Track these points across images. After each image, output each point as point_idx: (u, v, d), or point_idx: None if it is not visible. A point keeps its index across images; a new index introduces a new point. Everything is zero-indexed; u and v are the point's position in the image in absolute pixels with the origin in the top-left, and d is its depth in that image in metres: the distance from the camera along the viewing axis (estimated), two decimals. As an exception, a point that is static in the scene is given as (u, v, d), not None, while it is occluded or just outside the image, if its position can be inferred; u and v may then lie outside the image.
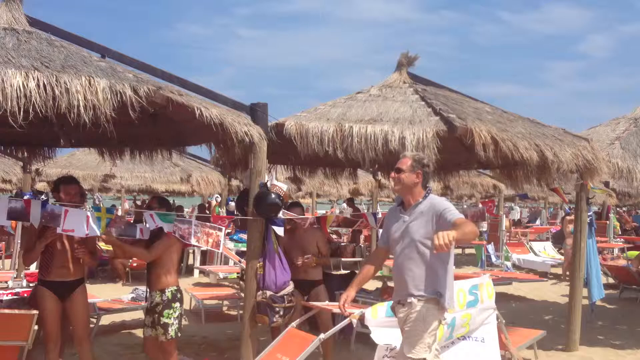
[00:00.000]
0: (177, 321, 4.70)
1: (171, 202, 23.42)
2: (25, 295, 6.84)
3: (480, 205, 13.31)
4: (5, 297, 6.66)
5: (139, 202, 19.64)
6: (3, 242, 12.54)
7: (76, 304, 4.71)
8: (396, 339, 3.94)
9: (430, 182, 4.13)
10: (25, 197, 5.85)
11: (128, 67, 4.86)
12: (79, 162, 13.98)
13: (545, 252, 14.49)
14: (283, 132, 5.56)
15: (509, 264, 13.07)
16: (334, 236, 16.07)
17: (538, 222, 26.15)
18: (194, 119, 4.61)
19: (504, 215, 16.38)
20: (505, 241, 14.77)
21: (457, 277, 5.76)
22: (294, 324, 4.78)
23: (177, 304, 4.73)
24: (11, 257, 11.01)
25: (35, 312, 4.27)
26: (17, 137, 6.47)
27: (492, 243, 14.14)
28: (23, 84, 3.64)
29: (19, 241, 10.11)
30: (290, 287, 5.01)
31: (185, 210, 17.58)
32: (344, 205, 18.43)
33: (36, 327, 4.39)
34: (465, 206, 19.42)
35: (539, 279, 11.77)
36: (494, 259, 13.34)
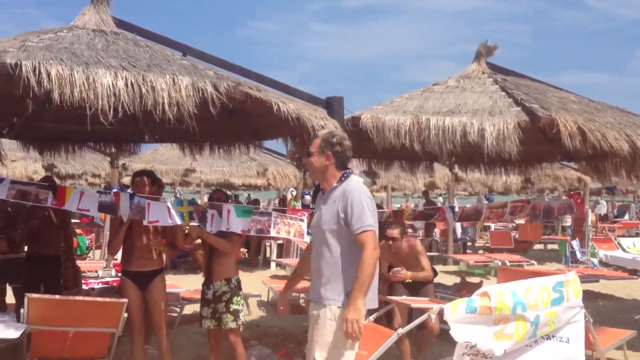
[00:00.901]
0: (243, 308, 4.95)
1: (246, 195, 23.84)
2: (115, 284, 7.21)
3: (566, 197, 12.78)
4: (96, 286, 7.05)
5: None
6: (93, 234, 13.23)
7: (154, 293, 4.89)
8: (477, 336, 3.84)
9: (352, 162, 3.49)
10: (114, 191, 6.18)
11: (208, 64, 5.01)
12: (162, 157, 14.55)
13: (635, 249, 13.70)
14: (359, 125, 5.55)
15: (595, 260, 12.47)
16: (410, 230, 15.92)
17: (627, 217, 24.83)
18: (271, 113, 4.69)
19: (590, 210, 15.65)
20: (591, 237, 14.12)
21: (540, 274, 5.57)
22: (371, 317, 4.77)
23: (241, 292, 4.93)
24: (101, 247, 11.61)
25: (125, 300, 4.48)
26: (106, 134, 6.82)
27: (577, 239, 13.55)
28: (112, 83, 3.81)
29: (108, 233, 10.66)
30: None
31: (262, 204, 17.93)
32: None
33: (126, 315, 4.60)
34: (547, 199, 18.72)
35: (628, 276, 11.16)
36: (579, 255, 12.78)
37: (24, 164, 13.56)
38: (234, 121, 5.90)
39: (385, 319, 5.44)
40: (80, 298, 4.68)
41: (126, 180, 14.45)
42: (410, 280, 5.56)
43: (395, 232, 5.62)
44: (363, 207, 3.15)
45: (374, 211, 3.24)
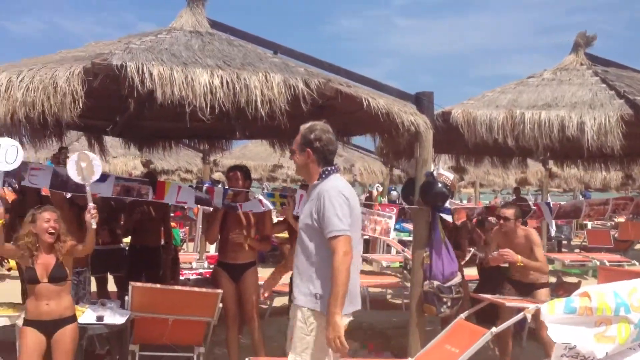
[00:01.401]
0: None
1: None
2: (207, 275, 7.49)
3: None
4: (191, 277, 7.36)
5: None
6: (187, 227, 13.79)
7: (246, 284, 5.04)
8: (576, 337, 3.69)
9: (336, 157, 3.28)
10: (206, 186, 6.44)
11: (298, 61, 5.09)
12: (251, 152, 14.93)
13: None
14: (449, 120, 5.45)
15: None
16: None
17: None
18: (360, 109, 4.71)
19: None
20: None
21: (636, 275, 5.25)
22: (462, 315, 4.69)
23: None
24: (194, 240, 12.07)
25: (220, 291, 4.64)
26: (200, 131, 7.09)
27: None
28: (209, 81, 3.97)
29: (200, 226, 11.09)
30: (457, 278, 4.92)
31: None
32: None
33: (220, 305, 4.78)
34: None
35: None
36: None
37: (124, 160, 14.32)
38: (322, 117, 5.94)
39: (475, 318, 5.32)
40: (180, 288, 4.90)
41: (216, 175, 14.97)
42: (521, 264, 5.06)
43: (508, 212, 5.28)
44: (334, 209, 2.96)
45: (350, 212, 3.05)
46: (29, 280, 3.86)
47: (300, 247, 3.15)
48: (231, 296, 4.98)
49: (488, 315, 5.33)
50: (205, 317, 4.67)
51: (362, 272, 10.58)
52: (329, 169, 3.15)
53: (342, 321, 2.96)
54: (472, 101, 5.92)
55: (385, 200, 13.76)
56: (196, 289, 4.78)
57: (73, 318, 3.97)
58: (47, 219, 3.87)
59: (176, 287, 4.93)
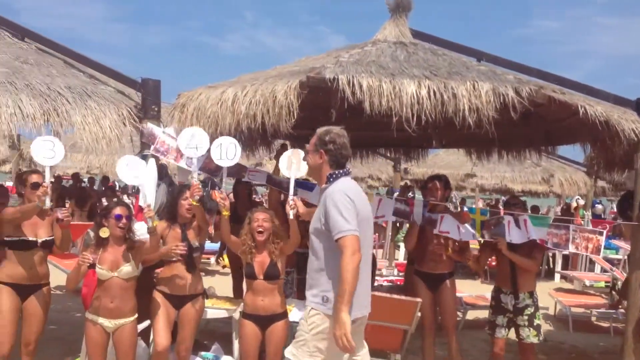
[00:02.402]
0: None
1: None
2: (399, 282, 7.55)
3: None
4: (384, 284, 7.47)
5: (492, 203, 19.72)
6: (376, 234, 14.03)
7: (444, 294, 4.97)
8: None
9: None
10: (396, 194, 6.48)
11: (504, 69, 4.93)
12: (442, 161, 14.74)
13: None
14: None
15: None
16: None
17: None
18: (570, 117, 4.44)
19: None
20: None
21: None
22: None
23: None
24: (383, 247, 12.24)
25: (419, 300, 4.64)
26: (397, 140, 7.17)
27: None
28: (416, 92, 4.01)
29: (389, 233, 11.22)
30: (686, 306, 4.38)
31: (540, 212, 16.95)
32: None
33: (418, 314, 4.77)
34: None
35: None
36: None
37: (319, 168, 15.00)
38: (525, 126, 5.70)
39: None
40: (380, 294, 4.98)
41: (402, 183, 15.03)
42: None
43: None
44: (339, 210, 3.00)
45: (357, 213, 3.04)
46: (247, 275, 4.20)
47: (311, 250, 3.22)
48: (429, 305, 4.96)
49: None
50: (403, 324, 4.69)
51: (561, 289, 9.97)
52: (338, 172, 3.20)
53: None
54: None
55: (588, 213, 12.70)
56: (395, 296, 4.83)
57: (285, 314, 4.23)
58: (256, 219, 4.18)
59: (376, 293, 4.99)
